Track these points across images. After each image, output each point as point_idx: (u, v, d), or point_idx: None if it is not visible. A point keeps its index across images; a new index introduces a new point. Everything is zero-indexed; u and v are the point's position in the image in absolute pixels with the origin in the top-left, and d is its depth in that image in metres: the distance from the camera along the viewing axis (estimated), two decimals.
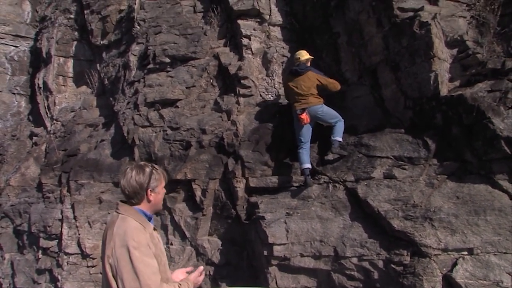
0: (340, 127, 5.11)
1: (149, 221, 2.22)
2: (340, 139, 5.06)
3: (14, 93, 10.10)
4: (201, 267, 2.46)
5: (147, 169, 2.20)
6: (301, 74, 5.19)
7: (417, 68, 4.69)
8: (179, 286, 2.16)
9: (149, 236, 2.11)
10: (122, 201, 2.22)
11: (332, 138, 5.07)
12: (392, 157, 4.69)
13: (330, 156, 5.06)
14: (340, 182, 4.86)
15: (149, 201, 2.21)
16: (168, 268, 2.26)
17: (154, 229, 2.24)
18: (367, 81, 5.39)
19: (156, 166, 2.28)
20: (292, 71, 5.33)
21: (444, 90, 4.57)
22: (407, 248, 4.16)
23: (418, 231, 4.14)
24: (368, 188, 4.59)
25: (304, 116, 5.04)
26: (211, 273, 5.46)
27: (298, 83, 5.19)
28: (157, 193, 2.23)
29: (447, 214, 4.15)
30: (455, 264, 4.00)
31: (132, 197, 2.18)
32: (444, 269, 4.01)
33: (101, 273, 2.11)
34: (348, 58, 5.67)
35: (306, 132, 5.13)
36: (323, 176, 5.03)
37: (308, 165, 5.03)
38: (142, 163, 2.26)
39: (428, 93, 4.60)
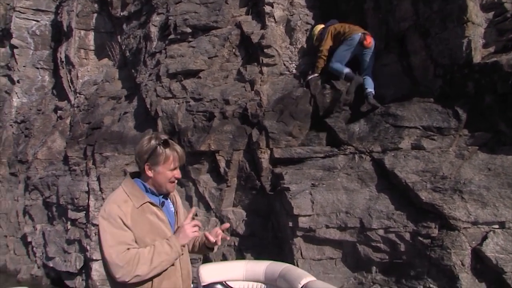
0: (371, 81, 5.18)
1: (152, 193, 2.16)
2: (373, 92, 5.10)
3: (37, 68, 10.25)
4: (193, 209, 2.49)
5: (153, 142, 2.11)
6: None
7: (449, 33, 4.50)
8: (167, 242, 2.08)
9: (130, 209, 2.05)
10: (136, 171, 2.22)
11: (366, 91, 5.10)
12: (421, 127, 4.58)
13: (365, 107, 5.08)
14: (366, 153, 4.79)
15: (147, 176, 2.15)
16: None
17: (153, 203, 2.13)
18: (395, 48, 5.22)
19: (172, 145, 2.15)
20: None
21: (477, 57, 4.38)
22: (435, 221, 4.09)
23: (447, 203, 4.05)
24: (395, 159, 4.50)
25: (369, 37, 5.17)
26: (236, 244, 5.53)
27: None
28: (158, 173, 2.13)
29: (477, 186, 4.04)
30: (485, 238, 3.91)
31: (138, 165, 2.17)
32: (474, 242, 3.93)
33: None
34: (375, 25, 5.49)
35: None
36: (349, 147, 4.96)
37: (347, 70, 5.31)
38: (162, 135, 2.16)
39: (460, 60, 4.42)
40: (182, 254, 2.18)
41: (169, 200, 2.32)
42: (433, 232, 4.07)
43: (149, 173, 2.13)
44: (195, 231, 2.17)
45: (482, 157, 4.20)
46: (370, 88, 5.13)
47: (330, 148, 5.08)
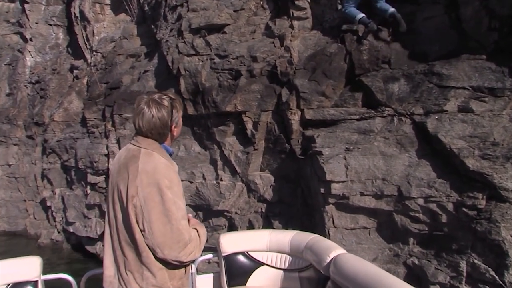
0: (386, 3, 5.17)
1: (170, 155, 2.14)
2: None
3: (50, 25, 10.26)
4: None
5: (166, 102, 2.03)
6: None
7: None
8: (197, 231, 2.07)
9: (176, 172, 2.02)
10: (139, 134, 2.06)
11: (388, 12, 5.06)
12: (470, 88, 4.43)
13: (401, 28, 5.02)
14: (406, 115, 4.68)
15: (173, 137, 2.12)
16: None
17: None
18: None
19: (170, 94, 2.12)
20: None
21: None
22: (483, 191, 3.97)
23: (498, 172, 3.92)
24: (439, 123, 4.38)
25: None
26: (263, 210, 5.59)
27: None
28: (180, 125, 2.13)
29: None
30: None
31: (155, 138, 2.03)
32: None
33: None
34: None
35: None
36: (387, 108, 4.85)
37: (362, 14, 5.22)
38: (155, 96, 2.05)
39: None
40: None
41: None
42: (480, 204, 3.96)
43: (175, 132, 2.11)
44: None
45: None
46: (389, 7, 5.07)
47: (366, 109, 5.00)
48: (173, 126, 2.07)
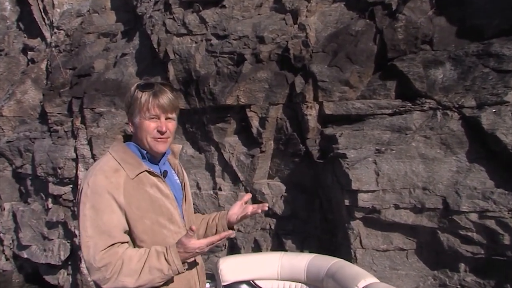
0: None
1: (150, 160, 2.23)
2: None
3: None
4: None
5: (131, 89, 2.19)
6: None
7: None
8: (164, 256, 2.07)
9: (123, 180, 2.08)
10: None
11: None
12: None
13: None
14: (454, 109, 4.65)
15: (135, 135, 2.23)
16: (179, 223, 2.26)
17: (152, 172, 2.18)
18: None
19: (156, 88, 2.17)
20: None
21: None
22: None
23: None
24: (497, 117, 4.33)
25: None
26: (272, 227, 5.53)
27: None
28: (136, 127, 2.19)
29: None
30: None
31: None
32: None
33: None
34: None
35: None
36: (428, 100, 4.81)
37: None
38: (143, 80, 2.25)
39: None
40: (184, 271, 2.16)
41: (172, 169, 2.41)
42: None
43: (131, 128, 2.22)
44: (205, 248, 2.16)
45: None
46: None
47: (401, 101, 4.97)
48: (128, 117, 2.23)
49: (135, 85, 2.20)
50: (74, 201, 6.92)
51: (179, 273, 2.10)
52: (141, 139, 2.18)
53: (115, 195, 2.03)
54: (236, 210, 2.52)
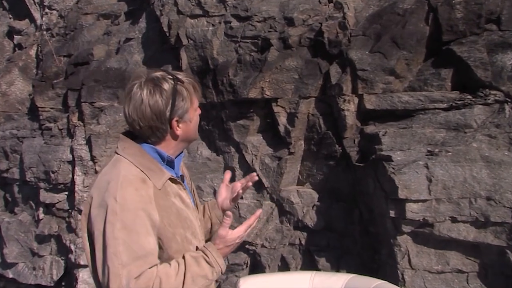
0: None
1: (168, 164, 2.19)
2: None
3: None
4: (259, 211, 2.34)
5: (166, 84, 2.06)
6: None
7: None
8: (204, 258, 2.09)
9: (152, 191, 2.02)
10: (127, 132, 2.20)
11: None
12: None
13: None
14: None
15: (175, 137, 2.16)
16: (199, 237, 2.26)
17: (174, 179, 2.17)
18: None
19: (181, 75, 2.15)
20: None
21: None
22: None
23: None
24: None
25: None
26: (302, 242, 5.51)
27: None
28: (188, 122, 2.17)
29: None
30: None
31: (147, 134, 2.11)
32: None
33: None
34: None
35: None
36: (493, 92, 4.76)
37: None
38: (157, 73, 2.10)
39: None
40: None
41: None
42: None
43: (178, 131, 2.15)
44: (245, 235, 2.24)
45: None
46: None
47: (459, 93, 4.93)
48: (175, 119, 2.10)
49: (167, 82, 2.08)
50: (69, 210, 6.93)
51: (223, 273, 2.15)
52: (192, 134, 2.25)
53: (150, 211, 1.98)
54: (224, 195, 2.59)
